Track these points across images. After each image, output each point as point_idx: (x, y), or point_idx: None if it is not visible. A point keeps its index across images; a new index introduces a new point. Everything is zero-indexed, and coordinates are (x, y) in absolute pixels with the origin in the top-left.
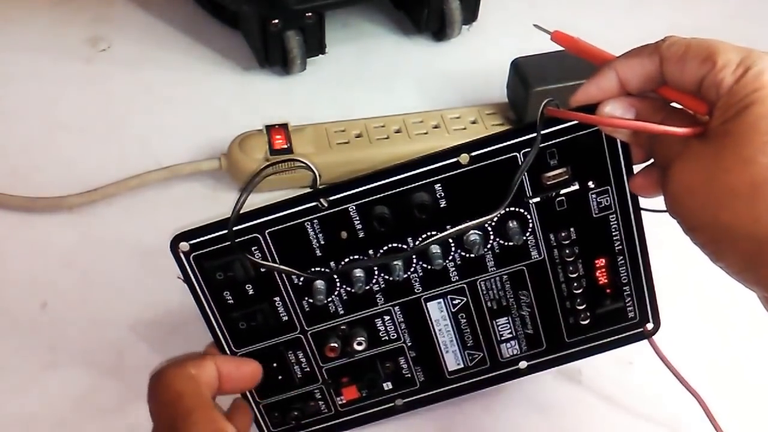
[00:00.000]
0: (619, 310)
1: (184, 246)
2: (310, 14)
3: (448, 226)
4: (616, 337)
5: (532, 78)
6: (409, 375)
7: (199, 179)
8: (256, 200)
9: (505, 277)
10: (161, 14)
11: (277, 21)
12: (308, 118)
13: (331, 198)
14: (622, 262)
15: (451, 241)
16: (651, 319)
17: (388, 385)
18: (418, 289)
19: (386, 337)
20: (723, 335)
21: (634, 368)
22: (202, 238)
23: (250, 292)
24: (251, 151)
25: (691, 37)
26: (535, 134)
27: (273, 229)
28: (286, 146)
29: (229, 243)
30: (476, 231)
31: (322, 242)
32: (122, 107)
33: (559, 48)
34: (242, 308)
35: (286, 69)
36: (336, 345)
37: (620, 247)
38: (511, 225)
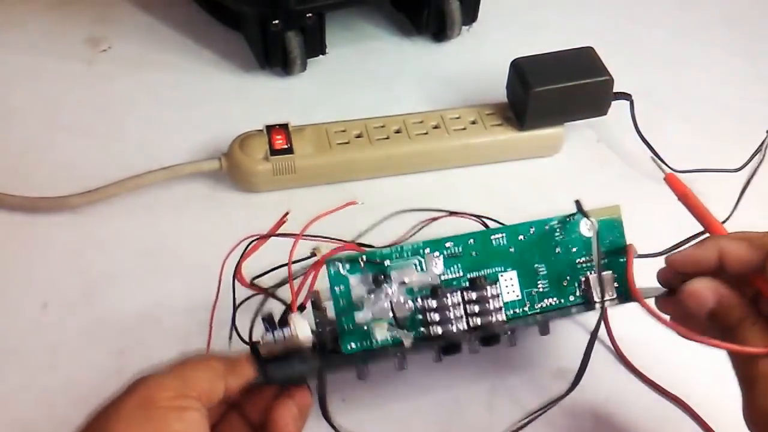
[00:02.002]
0: None
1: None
2: (310, 15)
3: None
4: None
5: (532, 78)
6: None
7: (200, 179)
8: (256, 200)
9: None
10: (162, 15)
11: (277, 21)
12: (308, 118)
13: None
14: None
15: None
16: None
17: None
18: None
19: None
20: None
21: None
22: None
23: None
24: (251, 152)
25: None
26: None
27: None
28: (286, 146)
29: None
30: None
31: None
32: (123, 108)
33: (559, 48)
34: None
35: (286, 69)
36: None
37: None
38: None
